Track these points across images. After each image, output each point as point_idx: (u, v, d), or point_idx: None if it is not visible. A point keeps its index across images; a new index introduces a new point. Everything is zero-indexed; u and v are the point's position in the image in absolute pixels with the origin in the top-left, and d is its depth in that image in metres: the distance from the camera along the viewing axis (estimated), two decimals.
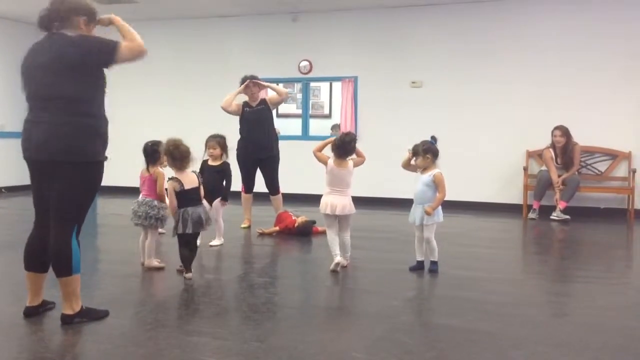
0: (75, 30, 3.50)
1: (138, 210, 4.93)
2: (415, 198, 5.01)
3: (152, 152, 5.00)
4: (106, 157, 3.67)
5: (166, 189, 4.81)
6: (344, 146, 5.00)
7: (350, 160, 5.07)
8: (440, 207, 4.96)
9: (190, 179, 4.66)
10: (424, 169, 4.99)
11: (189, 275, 4.62)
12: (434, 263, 4.97)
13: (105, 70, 3.60)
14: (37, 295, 3.68)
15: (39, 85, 3.45)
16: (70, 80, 3.40)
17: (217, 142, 5.84)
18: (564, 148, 8.08)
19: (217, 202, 5.74)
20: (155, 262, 4.95)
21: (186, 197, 4.60)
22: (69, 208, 3.49)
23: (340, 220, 5.03)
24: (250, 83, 6.82)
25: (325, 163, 5.04)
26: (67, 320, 3.55)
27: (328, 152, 5.14)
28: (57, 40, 3.46)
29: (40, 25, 3.52)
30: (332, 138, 5.21)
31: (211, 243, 5.86)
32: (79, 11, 3.53)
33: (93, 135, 3.50)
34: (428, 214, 4.85)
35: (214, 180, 5.65)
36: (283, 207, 7.03)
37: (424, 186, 4.95)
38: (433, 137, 5.12)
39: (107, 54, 3.44)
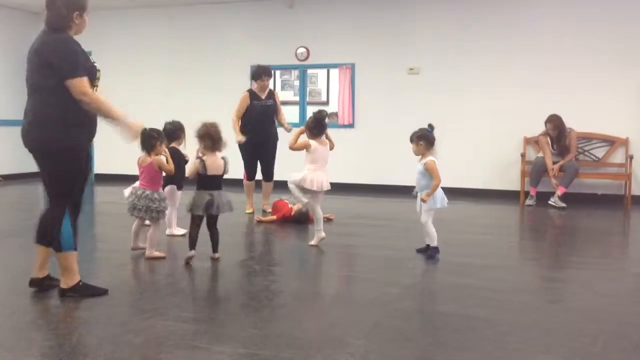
0: (72, 25, 3.68)
1: (138, 203, 4.82)
2: (416, 185, 5.10)
3: (148, 138, 4.91)
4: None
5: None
6: (322, 123, 5.45)
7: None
8: (441, 193, 4.99)
9: (217, 164, 4.76)
10: (421, 157, 5.02)
11: (215, 255, 4.82)
12: (434, 249, 4.99)
13: (101, 60, 3.69)
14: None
15: (27, 75, 3.72)
16: (40, 72, 3.62)
17: None
18: (558, 137, 8.09)
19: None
20: (156, 253, 4.92)
21: (205, 181, 4.72)
22: (51, 190, 3.77)
23: (319, 195, 5.45)
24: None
25: (308, 147, 5.43)
26: (60, 293, 3.79)
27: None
28: (41, 35, 3.68)
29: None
30: (299, 129, 5.57)
31: (171, 232, 5.70)
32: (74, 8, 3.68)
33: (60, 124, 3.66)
34: (424, 201, 4.93)
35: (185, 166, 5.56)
36: (284, 197, 7.04)
37: (417, 174, 5.03)
38: (430, 125, 5.11)
39: (60, 76, 3.56)
